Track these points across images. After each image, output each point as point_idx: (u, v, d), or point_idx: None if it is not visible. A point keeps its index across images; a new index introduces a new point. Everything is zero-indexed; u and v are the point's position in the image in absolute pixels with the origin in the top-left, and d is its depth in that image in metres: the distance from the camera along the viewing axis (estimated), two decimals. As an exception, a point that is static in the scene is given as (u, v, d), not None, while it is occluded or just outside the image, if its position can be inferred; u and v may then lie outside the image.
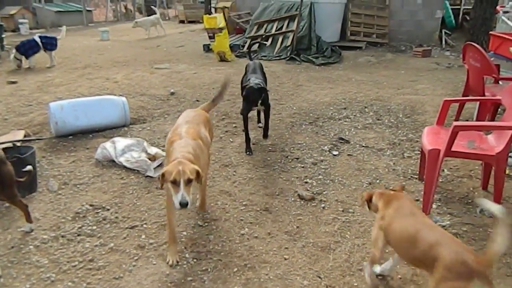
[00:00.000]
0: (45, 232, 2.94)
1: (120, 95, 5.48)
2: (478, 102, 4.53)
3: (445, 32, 10.92)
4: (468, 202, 3.27)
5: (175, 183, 2.28)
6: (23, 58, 8.47)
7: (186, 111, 3.15)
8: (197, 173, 2.36)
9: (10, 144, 3.81)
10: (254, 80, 4.28)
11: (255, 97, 4.20)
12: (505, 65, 5.19)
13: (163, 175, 2.35)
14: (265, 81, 4.72)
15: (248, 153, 4.26)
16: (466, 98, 4.71)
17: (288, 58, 9.15)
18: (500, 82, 4.59)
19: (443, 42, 10.68)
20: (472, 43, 4.60)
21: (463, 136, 3.12)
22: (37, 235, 2.90)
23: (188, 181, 2.28)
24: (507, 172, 3.54)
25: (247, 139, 4.36)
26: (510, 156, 3.55)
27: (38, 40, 8.52)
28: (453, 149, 2.93)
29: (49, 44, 8.66)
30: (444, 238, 1.87)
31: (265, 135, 4.58)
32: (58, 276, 2.50)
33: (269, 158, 4.15)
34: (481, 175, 3.48)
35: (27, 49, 8.42)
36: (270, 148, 4.40)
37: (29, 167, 2.97)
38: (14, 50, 8.40)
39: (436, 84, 6.85)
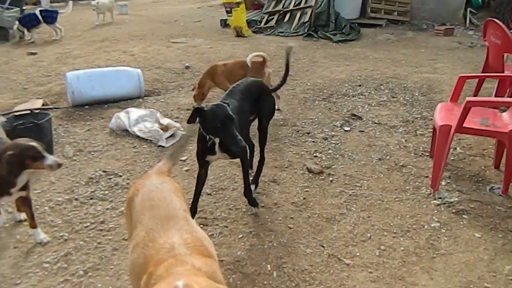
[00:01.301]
0: (60, 195, 3.06)
1: (136, 68, 5.54)
2: (497, 81, 4.41)
3: (470, 11, 10.52)
4: (479, 180, 3.23)
5: None
6: (25, 31, 8.75)
7: (159, 188, 1.74)
8: None
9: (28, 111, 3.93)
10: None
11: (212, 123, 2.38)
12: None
13: None
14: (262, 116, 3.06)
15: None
16: (482, 74, 4.59)
17: (305, 35, 9.00)
18: (522, 61, 4.44)
19: (467, 21, 10.30)
20: (494, 19, 4.44)
21: (477, 113, 3.08)
22: (52, 197, 3.02)
23: None
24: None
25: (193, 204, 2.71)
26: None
27: (38, 14, 8.74)
28: (465, 125, 2.88)
29: (49, 17, 8.86)
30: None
31: (248, 199, 2.85)
32: (71, 236, 2.61)
33: (280, 132, 4.17)
34: (494, 153, 3.43)
35: (27, 21, 8.68)
36: (281, 123, 4.40)
37: None
38: (17, 22, 8.67)
39: (456, 63, 6.67)
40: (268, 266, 2.37)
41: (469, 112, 2.82)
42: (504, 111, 3.26)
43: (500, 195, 3.00)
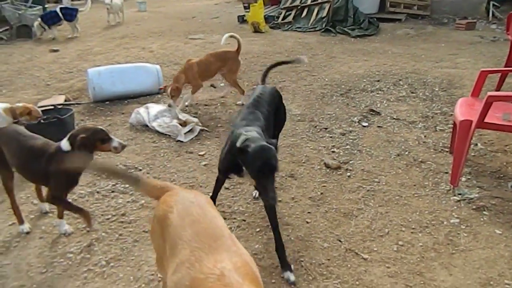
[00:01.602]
0: (82, 187, 3.14)
1: (155, 64, 5.61)
2: (520, 76, 4.31)
3: (493, 4, 10.25)
4: (500, 177, 3.18)
5: None
6: (47, 28, 9.02)
7: (195, 203, 1.61)
8: None
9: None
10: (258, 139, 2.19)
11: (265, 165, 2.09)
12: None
13: None
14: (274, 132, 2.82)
15: None
16: (505, 69, 4.49)
17: (323, 30, 8.96)
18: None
19: (490, 14, 10.05)
20: (518, 13, 4.34)
21: (499, 108, 3.02)
22: (75, 190, 3.08)
23: None
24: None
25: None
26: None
27: (58, 11, 9.00)
28: (486, 120, 2.84)
29: (69, 15, 9.13)
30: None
31: (279, 258, 2.33)
32: (93, 227, 2.68)
33: (297, 128, 4.17)
34: (516, 149, 3.37)
35: (48, 18, 8.95)
36: (298, 118, 4.41)
37: None
38: (39, 19, 8.92)
39: (478, 58, 6.54)
40: (286, 259, 2.39)
41: (490, 107, 2.77)
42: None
43: (522, 191, 2.95)
